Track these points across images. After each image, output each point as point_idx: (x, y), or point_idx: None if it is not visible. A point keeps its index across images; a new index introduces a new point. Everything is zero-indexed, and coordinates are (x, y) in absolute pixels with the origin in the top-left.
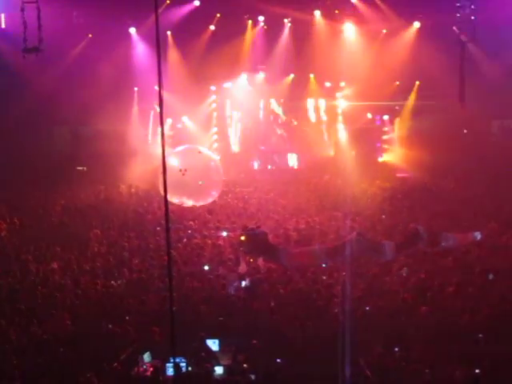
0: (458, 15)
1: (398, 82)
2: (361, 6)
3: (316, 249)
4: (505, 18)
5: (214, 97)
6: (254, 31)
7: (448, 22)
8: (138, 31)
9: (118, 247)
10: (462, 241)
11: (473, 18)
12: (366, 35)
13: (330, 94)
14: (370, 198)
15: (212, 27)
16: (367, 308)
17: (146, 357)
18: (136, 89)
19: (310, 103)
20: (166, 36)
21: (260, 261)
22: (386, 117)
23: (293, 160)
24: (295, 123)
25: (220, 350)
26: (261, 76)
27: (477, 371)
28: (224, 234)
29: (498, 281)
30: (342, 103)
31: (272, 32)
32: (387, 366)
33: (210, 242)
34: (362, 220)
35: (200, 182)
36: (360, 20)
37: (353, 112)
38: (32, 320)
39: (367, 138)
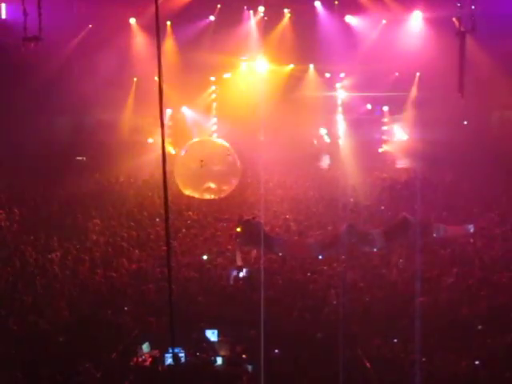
0: (459, 5)
1: (397, 73)
2: None
3: (311, 242)
4: (505, 7)
5: (213, 87)
6: (254, 22)
7: (448, 12)
8: (137, 22)
9: (118, 237)
10: (453, 232)
11: (473, 7)
12: (365, 25)
13: (329, 85)
14: (370, 188)
15: (212, 17)
16: (367, 299)
17: (145, 347)
18: (135, 79)
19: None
20: (166, 26)
21: (254, 252)
22: (385, 108)
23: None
24: None
25: (218, 340)
26: (261, 66)
27: (476, 362)
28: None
29: (497, 272)
30: (342, 94)
31: (272, 23)
32: (386, 358)
33: (208, 232)
34: (360, 210)
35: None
36: (359, 10)
37: (352, 103)
38: (31, 310)
39: (367, 129)
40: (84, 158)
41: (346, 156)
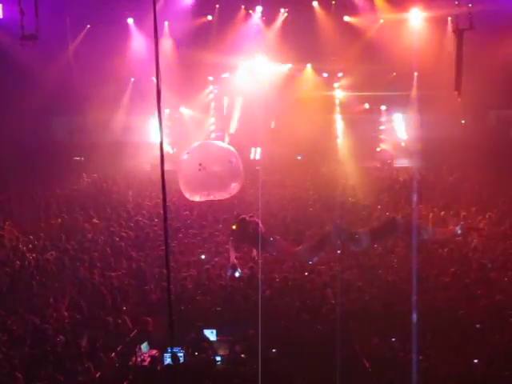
0: (456, 3)
1: (394, 73)
2: None
3: (299, 249)
4: (503, 5)
5: (211, 87)
6: (252, 22)
7: (445, 11)
8: (135, 22)
9: (116, 237)
10: (441, 235)
11: (470, 5)
12: (363, 25)
13: (327, 85)
14: (368, 188)
15: (210, 17)
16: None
17: (144, 347)
18: (132, 79)
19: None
20: (164, 26)
21: (251, 251)
22: (383, 107)
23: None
24: None
25: (217, 340)
26: (258, 66)
27: (475, 361)
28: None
29: (495, 271)
30: (340, 93)
31: (270, 23)
32: (384, 357)
33: (207, 232)
34: (359, 210)
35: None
36: (357, 10)
37: (350, 102)
38: (30, 309)
39: (364, 129)
40: (82, 158)
41: (344, 155)
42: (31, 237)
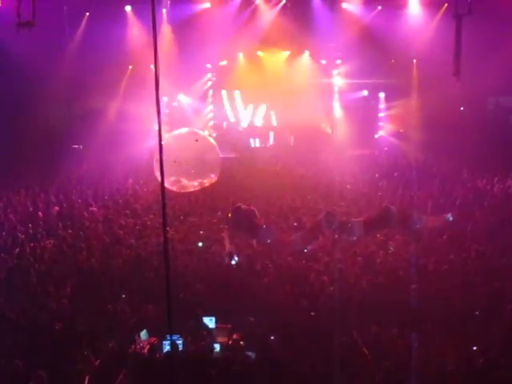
0: None
1: (393, 60)
2: None
3: (293, 238)
4: None
5: (209, 75)
6: (250, 9)
7: None
8: (133, 9)
9: (115, 225)
10: (433, 223)
11: None
12: (361, 12)
13: (325, 72)
14: (367, 175)
15: (208, 5)
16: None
17: (143, 335)
18: (130, 67)
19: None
20: (162, 14)
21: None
22: (381, 94)
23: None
24: None
25: (216, 327)
26: (258, 54)
27: (474, 348)
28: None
29: (494, 258)
30: (338, 81)
31: (269, 9)
32: (383, 344)
33: (204, 220)
34: (358, 198)
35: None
36: None
37: (348, 89)
38: (29, 298)
39: (363, 116)
40: (81, 147)
41: (343, 143)
42: (30, 225)
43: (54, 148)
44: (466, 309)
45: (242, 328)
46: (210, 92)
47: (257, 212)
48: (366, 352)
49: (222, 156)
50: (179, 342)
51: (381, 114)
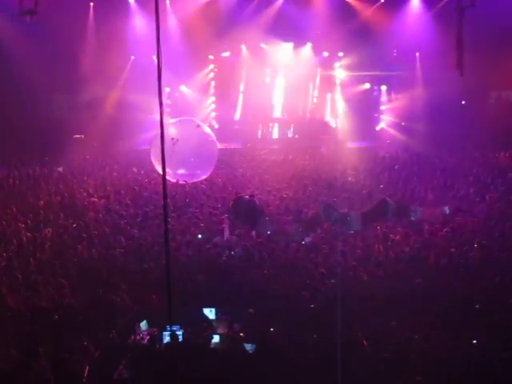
0: None
1: (395, 53)
2: None
3: (292, 229)
4: None
5: (211, 66)
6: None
7: None
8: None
9: (115, 215)
10: (430, 216)
11: None
12: (363, 4)
13: (327, 64)
14: (369, 168)
15: None
16: (364, 278)
17: (143, 325)
18: (132, 57)
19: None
20: (165, 5)
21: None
22: (383, 87)
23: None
24: None
25: (216, 318)
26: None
27: (474, 342)
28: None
29: (495, 253)
30: (340, 73)
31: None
32: (383, 336)
33: (206, 211)
34: (359, 190)
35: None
36: None
37: (351, 82)
38: (29, 287)
39: (365, 108)
40: (82, 136)
41: (344, 135)
42: (30, 214)
43: (55, 137)
44: (466, 302)
45: (242, 319)
46: (213, 83)
47: (258, 203)
48: (366, 344)
49: (222, 147)
50: (179, 332)
51: (383, 107)
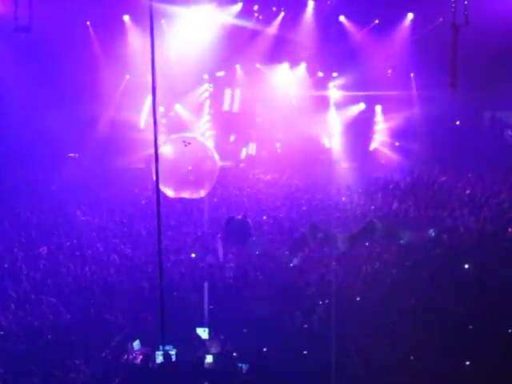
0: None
1: (389, 73)
2: None
3: (281, 251)
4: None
5: (206, 85)
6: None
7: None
8: (131, 19)
9: (109, 234)
10: (417, 238)
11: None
12: (358, 25)
13: (322, 84)
14: (363, 188)
15: (207, 16)
16: (357, 299)
17: (136, 344)
18: (127, 76)
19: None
20: (160, 25)
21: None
22: (378, 107)
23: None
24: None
25: (209, 338)
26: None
27: (467, 363)
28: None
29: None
30: (335, 93)
31: (266, 21)
32: (377, 357)
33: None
34: (353, 209)
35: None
36: (352, 10)
37: (345, 102)
38: (22, 306)
39: (359, 128)
40: (77, 155)
41: (339, 155)
42: (23, 232)
43: (49, 155)
44: (460, 323)
45: (235, 339)
46: (208, 102)
47: (250, 223)
48: (359, 364)
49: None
50: (172, 352)
51: (377, 127)
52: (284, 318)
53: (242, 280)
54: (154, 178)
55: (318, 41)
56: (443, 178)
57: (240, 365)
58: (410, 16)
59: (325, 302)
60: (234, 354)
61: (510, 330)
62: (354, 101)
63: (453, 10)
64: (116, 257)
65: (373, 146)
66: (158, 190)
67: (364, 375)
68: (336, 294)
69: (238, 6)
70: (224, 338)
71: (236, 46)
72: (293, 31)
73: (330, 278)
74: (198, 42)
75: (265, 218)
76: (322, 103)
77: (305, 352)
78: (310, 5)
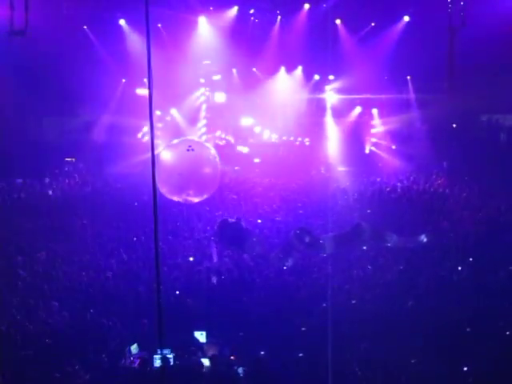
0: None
1: (386, 76)
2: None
3: (273, 254)
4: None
5: (203, 89)
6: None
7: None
8: (128, 23)
9: (106, 238)
10: (406, 243)
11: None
12: (354, 28)
13: (318, 87)
14: (360, 191)
15: (203, 19)
16: (353, 302)
17: (134, 349)
18: (124, 80)
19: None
20: (157, 28)
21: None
22: (374, 110)
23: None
24: None
25: (207, 342)
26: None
27: (465, 369)
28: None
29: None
30: (331, 96)
31: (262, 25)
32: (374, 361)
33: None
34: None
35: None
36: (348, 13)
37: (341, 105)
38: (19, 311)
39: (356, 132)
40: (73, 159)
41: (335, 158)
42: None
43: (45, 160)
44: (457, 326)
45: (233, 343)
46: (204, 106)
47: (244, 225)
48: (357, 368)
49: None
50: (170, 356)
51: (374, 130)
52: (281, 321)
53: (237, 283)
54: (152, 182)
55: (313, 44)
56: (439, 181)
57: (237, 368)
58: (406, 19)
59: (321, 304)
60: (232, 358)
61: (507, 332)
62: (351, 104)
63: (449, 11)
64: (113, 261)
65: (369, 149)
66: (155, 194)
67: (362, 377)
68: (331, 296)
69: (234, 10)
70: (221, 342)
71: (232, 49)
72: (289, 35)
73: (325, 281)
74: (194, 45)
75: (260, 221)
76: (319, 106)
77: (300, 354)
78: (306, 8)
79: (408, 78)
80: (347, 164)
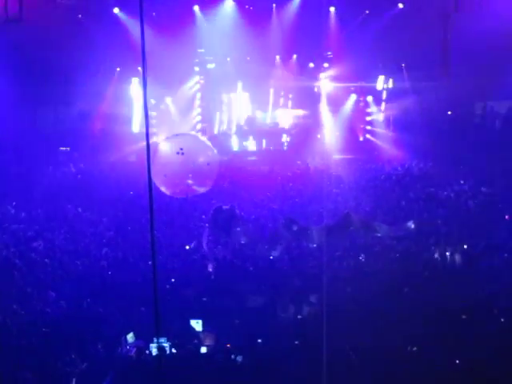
0: None
1: (380, 64)
2: None
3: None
4: None
5: (197, 77)
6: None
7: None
8: (122, 11)
9: (102, 227)
10: (395, 232)
11: None
12: (348, 15)
13: (313, 75)
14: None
15: (196, 8)
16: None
17: (130, 337)
18: (118, 69)
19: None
20: (152, 17)
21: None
22: (369, 98)
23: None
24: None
25: (203, 330)
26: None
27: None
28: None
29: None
30: (326, 84)
31: (257, 13)
32: (370, 348)
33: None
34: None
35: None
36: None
37: (336, 93)
38: (15, 300)
39: (351, 119)
40: (68, 149)
41: (330, 146)
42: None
43: (40, 150)
44: (453, 313)
45: (229, 331)
46: (198, 95)
47: (238, 213)
48: (354, 357)
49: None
50: (166, 344)
51: (369, 118)
52: (277, 309)
53: (231, 271)
54: (147, 173)
55: (308, 32)
56: (435, 169)
57: (234, 356)
58: (401, 6)
59: (316, 292)
60: (228, 346)
61: (502, 319)
62: (346, 92)
63: None
64: (109, 250)
65: (365, 137)
66: (150, 185)
67: (358, 365)
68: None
69: None
70: (218, 330)
71: (227, 38)
72: (284, 23)
73: (319, 269)
74: (189, 33)
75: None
76: (314, 94)
77: (296, 342)
78: None
79: (402, 65)
80: (343, 151)
